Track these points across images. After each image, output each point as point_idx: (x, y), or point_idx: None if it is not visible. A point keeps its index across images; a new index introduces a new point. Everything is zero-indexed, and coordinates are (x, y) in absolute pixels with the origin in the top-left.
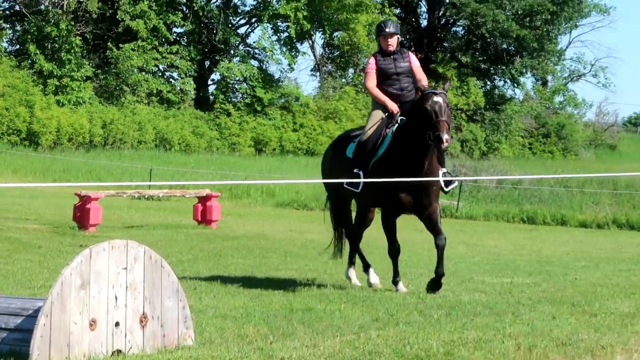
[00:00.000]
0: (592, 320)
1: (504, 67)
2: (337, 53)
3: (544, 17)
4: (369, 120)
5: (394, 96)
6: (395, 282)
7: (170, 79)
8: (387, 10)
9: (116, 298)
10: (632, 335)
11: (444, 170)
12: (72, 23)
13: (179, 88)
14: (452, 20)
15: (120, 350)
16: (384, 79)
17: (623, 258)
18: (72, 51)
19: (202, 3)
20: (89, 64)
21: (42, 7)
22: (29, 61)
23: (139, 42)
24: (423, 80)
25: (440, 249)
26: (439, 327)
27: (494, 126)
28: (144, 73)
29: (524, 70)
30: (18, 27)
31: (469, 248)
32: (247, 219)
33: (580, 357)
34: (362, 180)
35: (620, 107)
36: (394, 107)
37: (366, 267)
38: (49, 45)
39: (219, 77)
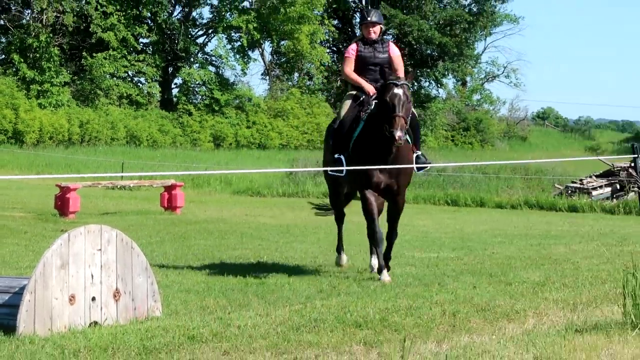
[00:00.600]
0: (508, 289)
1: (428, 70)
2: (283, 59)
3: (462, 26)
4: (342, 107)
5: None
6: (378, 270)
7: (139, 84)
8: (326, 22)
9: (92, 276)
10: (542, 301)
11: (419, 152)
12: (51, 35)
13: (146, 91)
14: (383, 30)
15: (96, 322)
16: (362, 67)
17: (534, 234)
18: (51, 60)
19: (165, 17)
20: (66, 71)
21: (24, 21)
22: (14, 69)
23: (110, 51)
24: (399, 70)
25: (389, 243)
26: (375, 297)
27: (420, 121)
28: (115, 79)
29: (446, 73)
30: (3, 39)
31: (401, 227)
32: (207, 205)
33: (497, 320)
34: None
35: (530, 104)
36: (370, 88)
37: (339, 248)
38: (31, 55)
39: (181, 82)
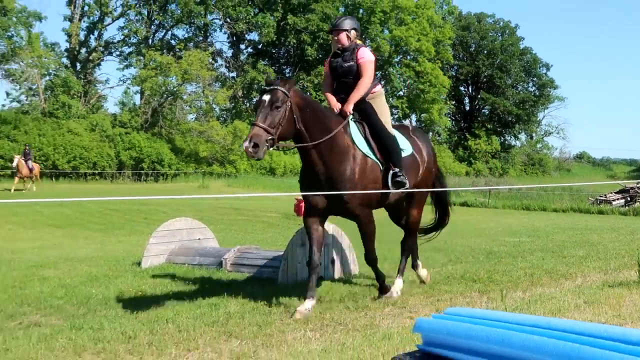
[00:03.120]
0: (564, 260)
1: (509, 129)
2: (423, 125)
3: (530, 103)
4: None
5: (340, 99)
6: (304, 297)
7: None
8: (448, 102)
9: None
10: (585, 267)
11: (396, 170)
12: None
13: None
14: (481, 106)
15: (322, 277)
16: (335, 81)
17: (578, 227)
18: None
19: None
20: None
21: None
22: None
23: None
24: (363, 76)
25: (368, 263)
26: (483, 264)
27: (504, 160)
28: None
29: (520, 131)
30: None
31: (497, 224)
32: (377, 212)
33: (559, 279)
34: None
35: (572, 149)
36: (336, 106)
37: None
38: None
39: None
